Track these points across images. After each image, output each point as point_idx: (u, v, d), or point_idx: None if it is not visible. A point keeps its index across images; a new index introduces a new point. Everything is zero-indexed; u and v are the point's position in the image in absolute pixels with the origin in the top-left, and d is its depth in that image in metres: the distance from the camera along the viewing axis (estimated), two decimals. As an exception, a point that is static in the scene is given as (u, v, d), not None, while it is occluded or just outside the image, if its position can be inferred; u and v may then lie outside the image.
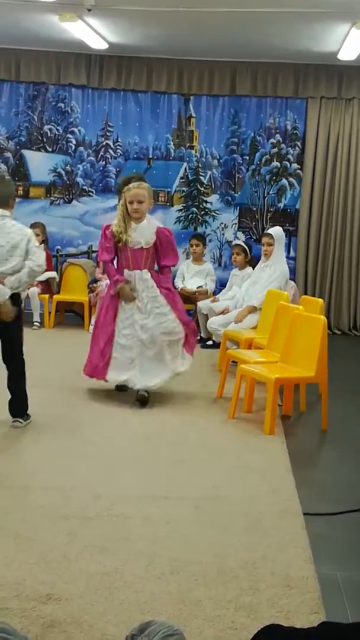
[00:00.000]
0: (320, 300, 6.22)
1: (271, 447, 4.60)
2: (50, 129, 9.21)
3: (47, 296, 8.37)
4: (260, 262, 7.05)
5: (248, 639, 1.88)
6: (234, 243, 8.14)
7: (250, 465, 4.24)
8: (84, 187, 9.22)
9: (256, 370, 5.05)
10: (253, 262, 7.81)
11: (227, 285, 7.99)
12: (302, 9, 6.47)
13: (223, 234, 9.16)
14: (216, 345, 7.64)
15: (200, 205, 9.16)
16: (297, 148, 8.99)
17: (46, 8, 6.85)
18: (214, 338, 7.63)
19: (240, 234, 9.00)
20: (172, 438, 4.69)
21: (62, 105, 9.16)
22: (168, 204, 9.20)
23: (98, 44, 8.17)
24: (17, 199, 8.96)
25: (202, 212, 9.16)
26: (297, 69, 8.74)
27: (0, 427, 4.61)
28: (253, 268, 7.67)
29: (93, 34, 7.73)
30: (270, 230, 6.94)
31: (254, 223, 9.13)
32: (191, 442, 4.62)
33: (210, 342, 7.72)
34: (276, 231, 6.89)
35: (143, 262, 5.36)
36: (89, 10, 6.67)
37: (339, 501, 3.77)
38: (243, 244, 7.87)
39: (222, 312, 7.21)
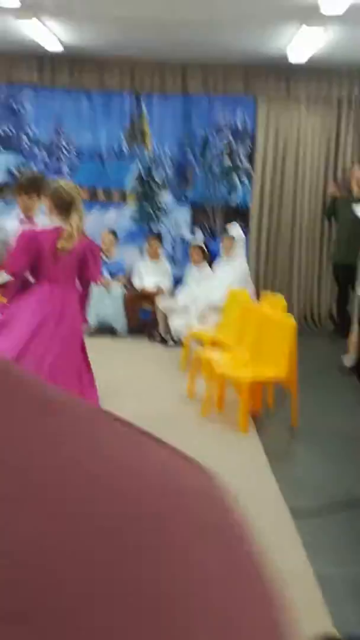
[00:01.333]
0: (282, 297, 6.48)
1: (246, 446, 4.83)
2: (3, 130, 9.20)
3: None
4: (219, 259, 7.26)
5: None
6: (193, 244, 8.32)
7: (230, 465, 4.46)
8: (38, 186, 9.24)
9: (230, 373, 5.26)
10: (209, 259, 8.05)
11: (183, 282, 8.18)
12: (254, 11, 6.68)
13: (176, 232, 9.34)
14: (178, 343, 7.85)
15: (154, 203, 9.31)
16: (247, 146, 9.22)
17: (6, 13, 6.88)
18: (175, 337, 7.84)
19: (199, 234, 9.17)
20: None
21: (14, 104, 9.16)
22: (122, 202, 9.32)
23: (53, 46, 8.20)
24: (-30, 199, 9.09)
25: (156, 210, 9.31)
26: (246, 68, 8.95)
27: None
28: (210, 265, 7.91)
29: (50, 35, 7.76)
30: (231, 231, 7.16)
31: (205, 220, 9.33)
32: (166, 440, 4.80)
33: (171, 343, 7.88)
34: (236, 230, 7.11)
35: None
36: (52, 13, 6.71)
37: (319, 496, 4.03)
38: (202, 245, 8.06)
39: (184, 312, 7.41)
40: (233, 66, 8.94)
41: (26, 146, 9.23)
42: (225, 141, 9.22)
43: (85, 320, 4.79)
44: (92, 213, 9.04)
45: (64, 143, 9.25)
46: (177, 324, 7.45)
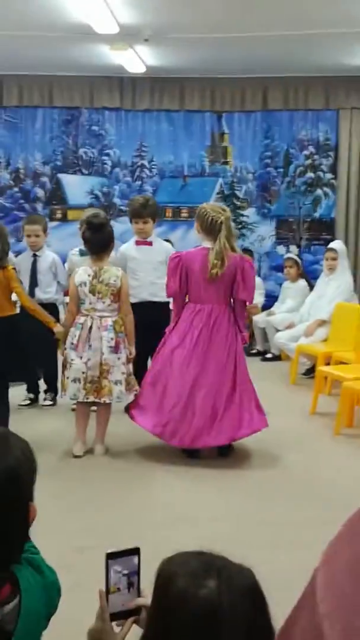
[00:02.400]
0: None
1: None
2: (85, 152, 9.32)
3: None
4: (323, 275, 7.24)
5: None
6: (286, 256, 8.32)
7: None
8: (122, 207, 9.34)
9: (361, 388, 5.22)
10: (303, 273, 8.05)
11: (279, 298, 8.18)
12: (337, 29, 6.69)
13: (261, 246, 9.34)
14: (275, 357, 7.85)
15: (237, 219, 9.31)
16: (330, 158, 9.20)
17: (99, 39, 6.98)
18: (273, 351, 7.84)
19: (293, 248, 9.16)
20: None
21: (96, 128, 9.27)
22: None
23: (137, 68, 8.30)
24: (56, 222, 9.21)
25: (240, 226, 9.31)
26: (327, 81, 8.94)
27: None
28: (306, 280, 7.89)
29: (136, 59, 7.86)
30: (334, 245, 7.15)
31: (291, 234, 9.32)
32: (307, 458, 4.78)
33: (269, 356, 7.90)
34: (339, 245, 7.10)
35: None
36: (146, 40, 6.81)
37: None
38: (295, 257, 8.07)
39: (289, 327, 7.38)
40: (314, 80, 8.94)
41: (108, 168, 9.33)
42: (307, 153, 9.21)
43: (244, 341, 4.77)
44: (176, 232, 9.12)
45: (146, 163, 9.33)
46: (278, 338, 7.43)
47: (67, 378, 4.63)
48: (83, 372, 4.58)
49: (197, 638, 1.31)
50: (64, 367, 4.68)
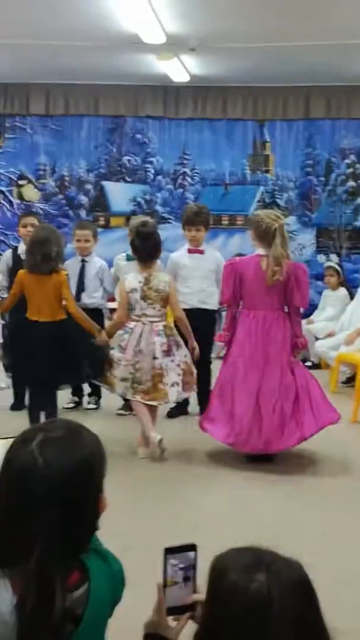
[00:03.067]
0: None
1: None
2: (128, 160, 9.46)
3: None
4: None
5: None
6: (326, 265, 8.34)
7: None
8: (163, 215, 9.45)
9: None
10: (344, 282, 8.06)
11: (319, 306, 8.20)
12: None
13: (301, 254, 9.37)
14: (315, 366, 7.87)
15: (278, 227, 9.35)
16: (372, 168, 9.22)
17: (146, 49, 7.10)
18: (313, 359, 7.87)
19: (333, 256, 9.18)
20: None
21: (140, 136, 9.41)
22: (246, 227, 9.40)
23: (181, 77, 8.41)
24: (99, 229, 9.33)
25: (280, 234, 9.35)
26: (369, 90, 8.97)
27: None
28: (346, 289, 7.91)
29: (181, 68, 7.97)
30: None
31: (331, 242, 9.33)
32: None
33: (309, 364, 7.92)
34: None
35: None
36: (192, 49, 6.91)
37: None
38: (336, 266, 8.09)
39: (329, 335, 7.41)
40: (356, 89, 8.96)
41: (151, 176, 9.45)
42: (348, 162, 9.22)
43: (302, 346, 4.82)
44: (217, 240, 9.18)
45: (188, 171, 9.43)
46: (319, 346, 7.46)
47: (115, 377, 4.73)
48: (131, 373, 4.68)
49: (248, 630, 1.38)
50: (110, 365, 4.77)
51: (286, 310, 4.78)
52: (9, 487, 1.48)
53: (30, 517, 1.45)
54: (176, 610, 1.74)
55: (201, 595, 1.62)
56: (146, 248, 4.81)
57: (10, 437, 1.57)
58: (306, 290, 4.74)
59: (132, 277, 4.83)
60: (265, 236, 4.57)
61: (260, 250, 4.64)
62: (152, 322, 4.74)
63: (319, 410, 4.64)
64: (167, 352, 4.72)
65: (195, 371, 4.89)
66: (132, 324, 4.75)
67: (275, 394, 4.58)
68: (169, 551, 1.72)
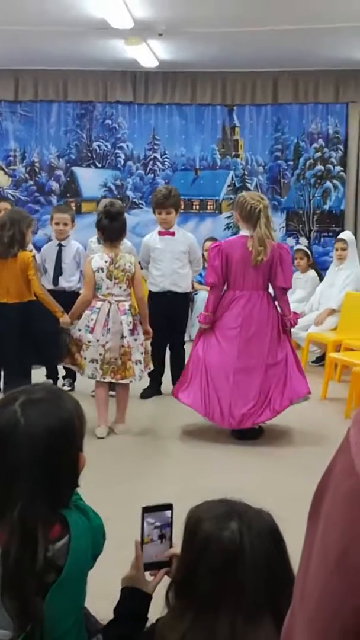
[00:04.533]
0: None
1: None
2: (99, 146, 9.49)
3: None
4: (332, 265, 7.39)
5: None
6: (296, 248, 8.47)
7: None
8: (134, 200, 9.51)
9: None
10: (313, 265, 8.19)
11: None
12: (346, 23, 6.81)
13: (271, 238, 9.47)
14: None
15: (248, 211, 9.45)
16: (339, 151, 9.33)
17: (114, 34, 7.13)
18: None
19: (303, 240, 9.31)
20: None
21: (110, 122, 9.44)
22: (217, 211, 9.51)
23: (150, 63, 8.45)
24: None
25: (250, 218, 9.45)
26: (337, 75, 9.07)
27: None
28: (316, 271, 8.04)
29: (149, 53, 8.01)
30: (344, 235, 7.30)
31: (301, 225, 9.46)
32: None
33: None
34: (349, 235, 7.25)
35: None
36: (160, 35, 6.96)
37: None
38: (305, 249, 8.22)
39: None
40: (324, 73, 9.07)
41: (122, 161, 9.49)
42: (317, 146, 9.34)
43: (291, 324, 4.92)
44: (188, 224, 9.25)
45: (158, 156, 9.48)
46: (296, 328, 7.56)
47: (85, 359, 4.82)
48: (100, 354, 4.77)
49: (222, 574, 1.49)
50: (79, 347, 4.86)
51: (270, 291, 4.90)
52: (-8, 445, 1.56)
53: (13, 474, 1.54)
54: (153, 566, 1.84)
55: (177, 549, 1.72)
56: (113, 228, 4.90)
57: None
58: (290, 271, 4.89)
59: (98, 257, 4.94)
60: (250, 217, 4.66)
61: (245, 232, 4.73)
62: (118, 301, 4.85)
63: (292, 385, 4.77)
64: (133, 331, 4.84)
65: (150, 350, 5.01)
66: (99, 304, 4.85)
67: (253, 373, 4.69)
68: (147, 510, 1.82)
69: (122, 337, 4.78)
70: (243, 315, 4.72)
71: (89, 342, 4.80)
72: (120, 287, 4.86)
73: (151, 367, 5.08)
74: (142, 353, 4.88)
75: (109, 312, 4.80)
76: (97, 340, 4.78)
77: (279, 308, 4.91)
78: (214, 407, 4.70)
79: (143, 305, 4.97)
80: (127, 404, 5.04)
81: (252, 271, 4.70)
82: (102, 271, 4.85)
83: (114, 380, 4.88)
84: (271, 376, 4.73)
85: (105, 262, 4.86)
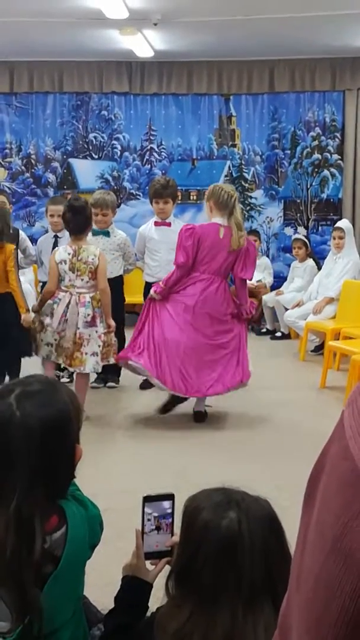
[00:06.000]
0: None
1: None
2: (95, 137, 9.45)
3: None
4: (330, 254, 7.38)
5: None
6: (294, 237, 8.45)
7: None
8: (132, 191, 9.48)
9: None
10: (311, 253, 8.19)
11: (288, 278, 8.33)
12: (343, 10, 6.79)
13: (269, 228, 9.47)
14: (285, 336, 8.01)
15: (246, 201, 9.43)
16: (336, 139, 9.30)
17: (109, 24, 7.09)
18: (282, 330, 8.00)
19: (301, 229, 9.28)
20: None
21: (106, 113, 9.40)
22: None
23: (145, 53, 8.42)
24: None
25: (248, 208, 9.44)
26: (333, 63, 9.04)
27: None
28: (314, 260, 8.04)
29: (144, 43, 7.98)
30: (341, 224, 7.29)
31: (298, 215, 9.44)
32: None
33: (279, 334, 8.06)
34: (346, 224, 7.24)
35: None
36: (155, 24, 6.92)
37: None
38: (303, 238, 8.21)
39: (297, 305, 7.53)
40: (320, 61, 9.04)
41: (118, 152, 9.46)
42: (314, 135, 9.31)
43: (248, 313, 4.96)
44: (185, 215, 9.23)
45: (155, 147, 9.45)
46: (287, 316, 7.59)
47: (42, 341, 4.91)
48: (55, 340, 4.85)
49: (221, 563, 1.49)
50: (38, 331, 4.93)
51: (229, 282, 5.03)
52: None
53: (9, 465, 1.53)
54: (153, 555, 1.84)
55: (177, 538, 1.72)
56: (77, 221, 4.93)
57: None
58: (253, 266, 4.98)
59: (62, 249, 5.00)
60: (226, 205, 4.76)
61: (218, 220, 4.76)
62: (79, 293, 4.89)
63: (243, 368, 4.93)
64: (91, 323, 4.86)
65: (115, 342, 5.02)
66: (61, 294, 4.91)
67: (202, 349, 4.81)
68: (148, 499, 1.81)
69: (77, 328, 4.82)
70: (199, 294, 4.81)
71: (47, 325, 4.87)
72: (82, 280, 4.90)
73: (112, 360, 5.05)
74: (99, 345, 4.89)
75: (69, 303, 4.85)
76: (54, 328, 4.86)
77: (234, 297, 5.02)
78: (165, 373, 4.79)
79: (106, 297, 4.98)
80: (85, 393, 5.05)
81: (219, 258, 4.78)
82: (65, 263, 4.91)
83: (68, 367, 5.02)
84: (221, 356, 4.87)
85: (69, 254, 4.92)
